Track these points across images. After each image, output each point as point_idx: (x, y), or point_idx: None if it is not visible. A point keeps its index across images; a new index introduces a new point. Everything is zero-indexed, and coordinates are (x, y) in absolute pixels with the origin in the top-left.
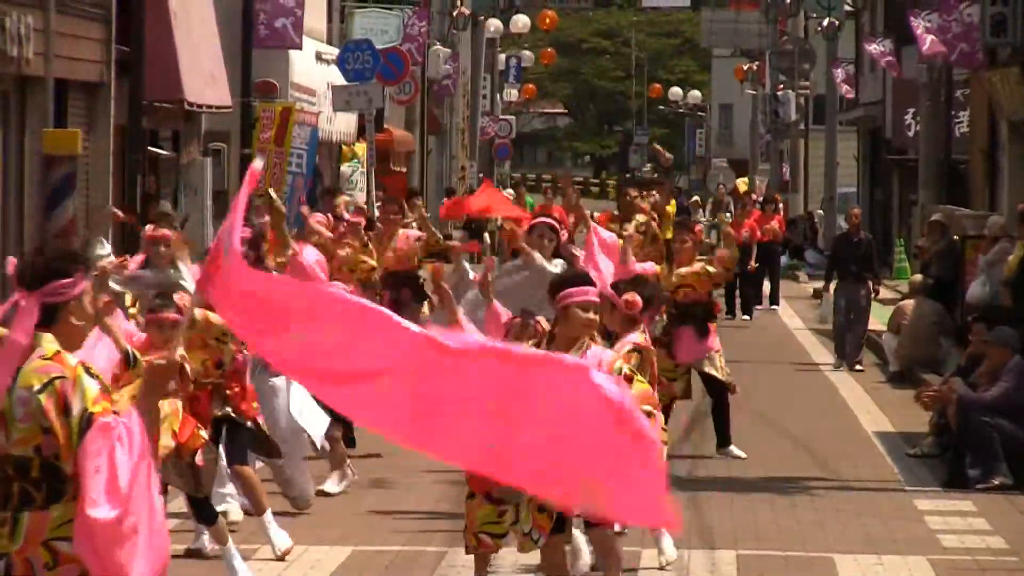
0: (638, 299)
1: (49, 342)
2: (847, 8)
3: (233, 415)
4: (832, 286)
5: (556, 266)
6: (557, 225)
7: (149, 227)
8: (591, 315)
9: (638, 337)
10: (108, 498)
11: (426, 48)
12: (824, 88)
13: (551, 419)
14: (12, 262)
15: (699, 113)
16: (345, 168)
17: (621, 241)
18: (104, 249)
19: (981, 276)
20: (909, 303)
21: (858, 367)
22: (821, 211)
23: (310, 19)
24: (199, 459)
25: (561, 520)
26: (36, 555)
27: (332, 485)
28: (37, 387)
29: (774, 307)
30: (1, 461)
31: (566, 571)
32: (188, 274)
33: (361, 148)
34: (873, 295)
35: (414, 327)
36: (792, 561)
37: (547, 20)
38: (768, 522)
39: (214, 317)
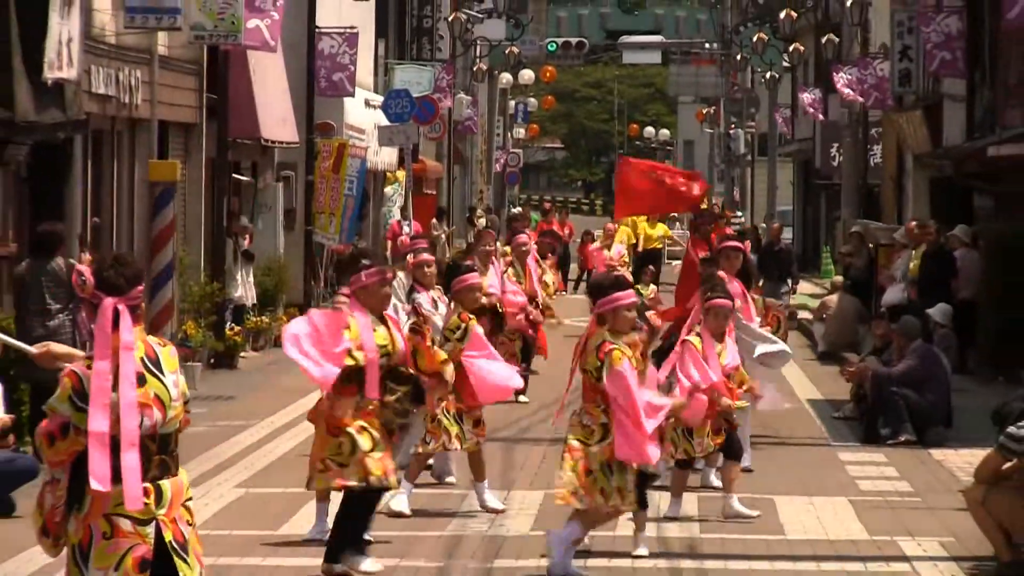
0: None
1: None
2: (785, 64)
3: None
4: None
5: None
6: None
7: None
8: (634, 315)
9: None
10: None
11: (451, 97)
12: (767, 127)
13: None
14: (88, 271)
15: (667, 147)
16: (388, 190)
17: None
18: None
19: (901, 283)
20: (833, 298)
21: None
22: (764, 225)
23: (360, 73)
24: None
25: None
26: (180, 515)
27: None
28: (179, 369)
29: None
30: (148, 439)
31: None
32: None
33: (401, 175)
34: (792, 292)
35: None
36: (742, 502)
37: (547, 74)
38: None
39: None
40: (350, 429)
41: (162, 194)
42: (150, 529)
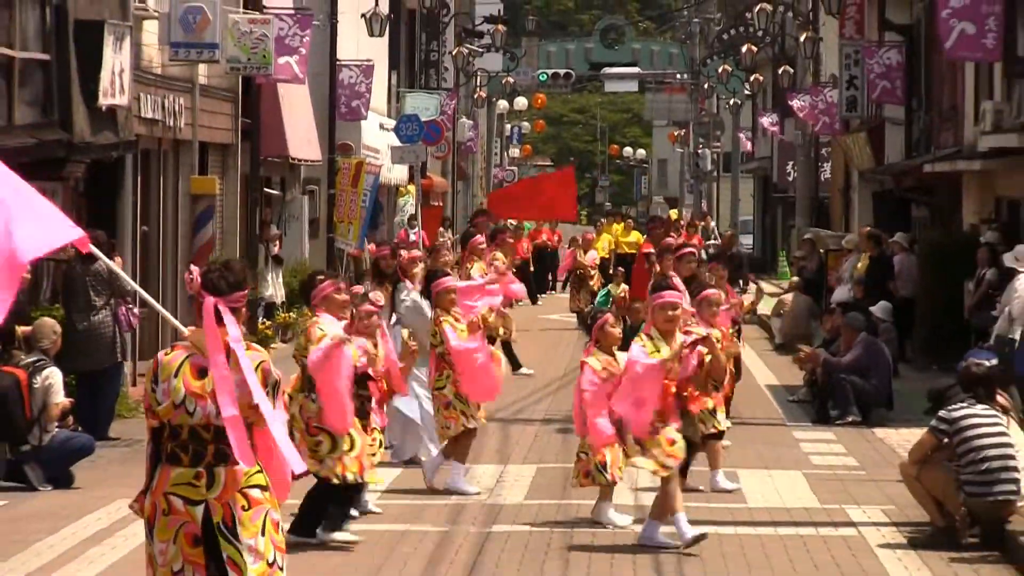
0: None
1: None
2: (746, 92)
3: None
4: None
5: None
6: None
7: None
8: (676, 312)
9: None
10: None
11: (455, 120)
12: (731, 147)
13: None
14: (197, 272)
15: (643, 165)
16: (400, 201)
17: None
18: None
19: (848, 284)
20: (788, 296)
21: None
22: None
23: (375, 100)
24: None
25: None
26: (235, 500)
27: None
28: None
29: None
30: (202, 428)
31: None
32: None
33: (411, 189)
34: (743, 292)
35: None
36: (708, 474)
37: (539, 101)
38: None
39: None
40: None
41: (203, 213)
42: (199, 510)
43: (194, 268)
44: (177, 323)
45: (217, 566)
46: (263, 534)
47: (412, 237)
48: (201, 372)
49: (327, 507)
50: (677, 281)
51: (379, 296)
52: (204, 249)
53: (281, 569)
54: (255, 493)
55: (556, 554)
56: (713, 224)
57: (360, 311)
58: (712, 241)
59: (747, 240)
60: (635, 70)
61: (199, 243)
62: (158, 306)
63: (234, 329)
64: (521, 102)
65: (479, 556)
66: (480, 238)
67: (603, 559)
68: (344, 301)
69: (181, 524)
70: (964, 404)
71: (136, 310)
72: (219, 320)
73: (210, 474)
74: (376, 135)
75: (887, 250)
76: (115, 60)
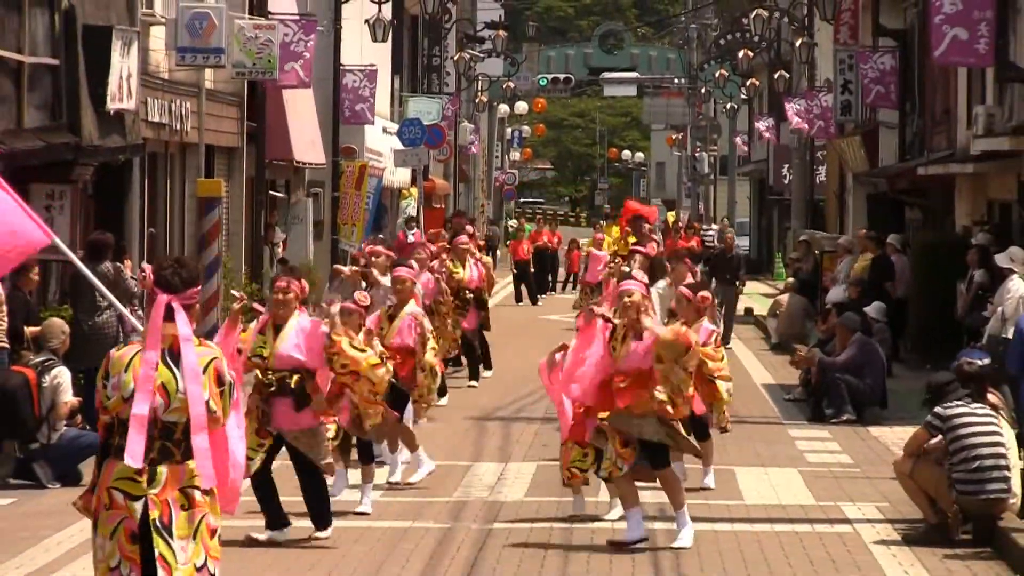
0: (709, 296)
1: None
2: (742, 97)
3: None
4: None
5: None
6: None
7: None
8: (631, 300)
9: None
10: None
11: (457, 124)
12: (727, 151)
13: None
14: (150, 269)
15: (642, 168)
16: (403, 203)
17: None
18: None
19: (842, 284)
20: (784, 297)
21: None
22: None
23: (379, 104)
24: None
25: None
26: (174, 498)
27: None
28: (201, 366)
29: None
30: (149, 424)
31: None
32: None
33: (414, 191)
34: (739, 293)
35: None
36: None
37: (539, 105)
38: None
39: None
40: None
41: (208, 203)
42: (138, 505)
43: (146, 266)
44: (134, 320)
45: (150, 564)
46: (194, 538)
47: (411, 238)
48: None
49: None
50: (638, 274)
51: (364, 296)
52: (211, 234)
53: (212, 574)
54: (197, 495)
55: (556, 551)
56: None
57: (344, 308)
58: (716, 244)
59: (743, 242)
60: (633, 75)
61: (205, 228)
62: (119, 305)
63: (185, 328)
64: (521, 106)
65: (480, 553)
66: (463, 237)
67: (602, 556)
68: (276, 300)
69: (121, 519)
70: (960, 402)
71: (141, 312)
72: (170, 317)
73: (152, 470)
74: (379, 139)
75: (886, 253)
76: (123, 65)
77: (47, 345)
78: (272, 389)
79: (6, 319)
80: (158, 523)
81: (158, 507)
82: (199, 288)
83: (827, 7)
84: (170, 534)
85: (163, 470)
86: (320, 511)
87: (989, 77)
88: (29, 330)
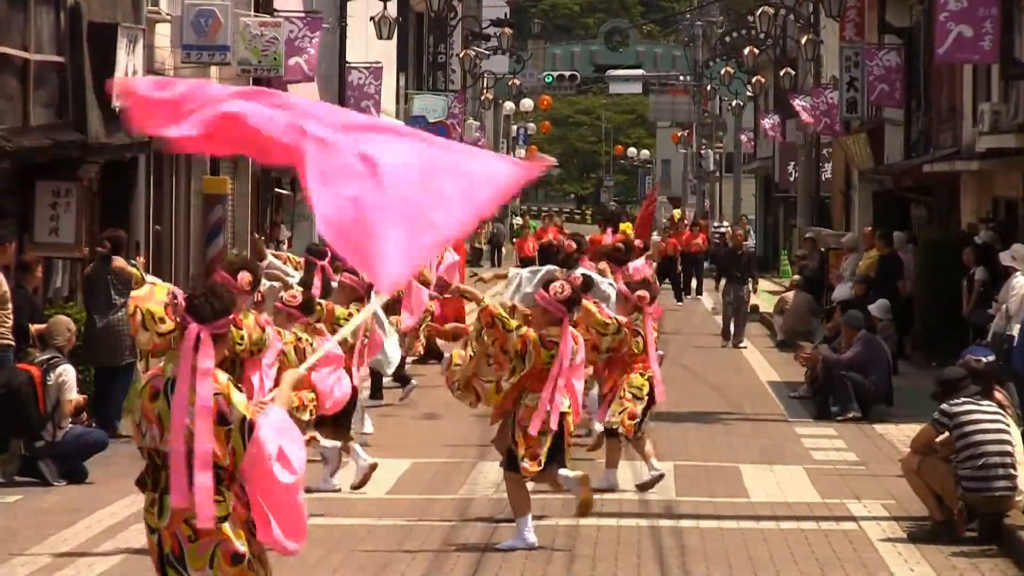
0: (647, 295)
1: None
2: (748, 94)
3: None
4: (721, 286)
5: None
6: None
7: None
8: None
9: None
10: (289, 468)
11: (463, 121)
12: (733, 148)
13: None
14: (181, 295)
15: (647, 165)
16: None
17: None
18: None
19: (848, 282)
20: (790, 294)
21: (741, 345)
22: (728, 228)
23: (385, 101)
24: None
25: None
26: (180, 530)
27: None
28: (212, 403)
29: (699, 296)
30: (154, 453)
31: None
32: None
33: None
34: (752, 292)
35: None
36: (712, 469)
37: (545, 102)
38: (695, 442)
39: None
40: None
41: (214, 227)
42: (155, 539)
43: (178, 291)
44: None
45: None
46: (211, 566)
47: None
48: (154, 394)
49: None
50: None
51: (293, 296)
52: (213, 265)
53: None
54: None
55: (561, 548)
56: (743, 228)
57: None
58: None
59: (748, 239)
60: (639, 72)
61: (210, 255)
62: None
63: (206, 361)
64: (527, 103)
65: (485, 550)
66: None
67: (608, 553)
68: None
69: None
70: (968, 399)
71: None
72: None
73: (161, 502)
74: None
75: (896, 251)
76: (128, 62)
77: (52, 343)
78: None
79: (11, 316)
80: (170, 557)
81: (168, 540)
82: (231, 318)
83: (833, 4)
84: (183, 566)
85: (168, 501)
86: None
87: (994, 74)
88: (34, 327)
